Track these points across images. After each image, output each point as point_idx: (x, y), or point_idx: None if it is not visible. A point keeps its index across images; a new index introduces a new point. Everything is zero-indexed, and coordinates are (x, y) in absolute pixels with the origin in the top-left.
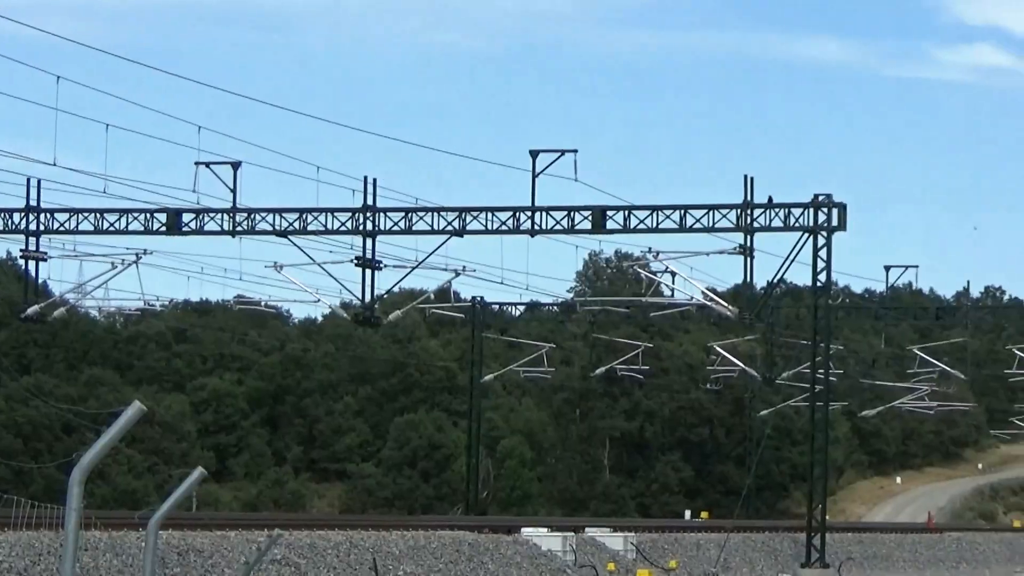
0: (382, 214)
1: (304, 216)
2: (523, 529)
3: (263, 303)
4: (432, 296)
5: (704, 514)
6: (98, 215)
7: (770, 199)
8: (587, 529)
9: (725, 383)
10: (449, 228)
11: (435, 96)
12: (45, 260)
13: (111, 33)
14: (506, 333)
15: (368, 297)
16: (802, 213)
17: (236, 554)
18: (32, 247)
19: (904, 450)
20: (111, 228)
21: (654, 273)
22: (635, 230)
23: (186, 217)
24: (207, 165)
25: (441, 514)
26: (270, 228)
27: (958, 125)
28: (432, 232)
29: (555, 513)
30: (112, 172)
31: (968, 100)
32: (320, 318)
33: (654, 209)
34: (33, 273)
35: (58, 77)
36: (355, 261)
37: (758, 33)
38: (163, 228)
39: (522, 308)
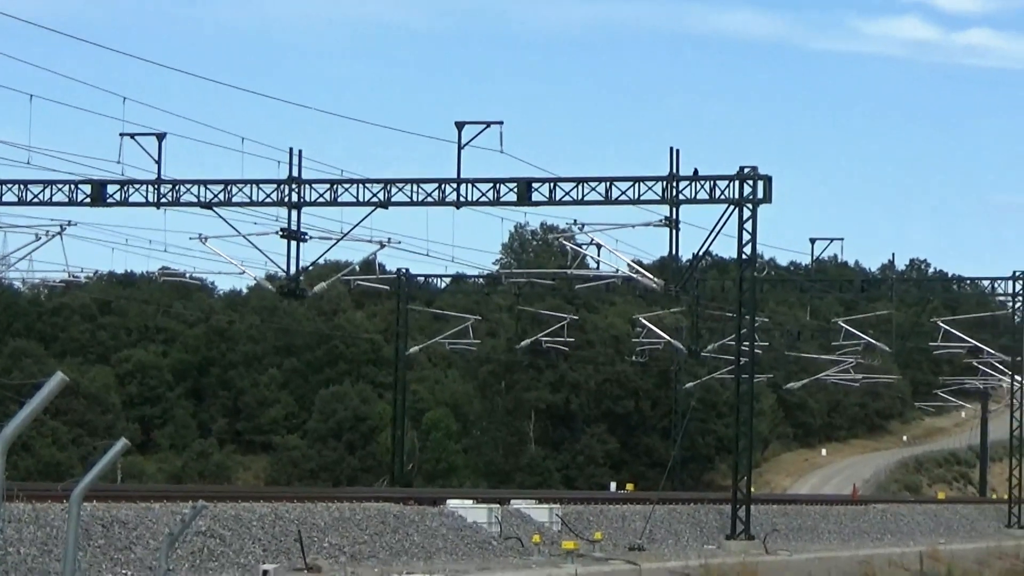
0: (307, 186)
1: (229, 188)
2: (448, 501)
3: (188, 275)
4: (357, 268)
5: (629, 486)
6: (22, 186)
7: (696, 171)
8: (512, 501)
9: (651, 356)
10: (374, 200)
11: (360, 68)
12: None
13: (35, 3)
14: (431, 305)
15: (293, 269)
16: (728, 185)
17: (160, 526)
18: None
19: (829, 422)
20: (35, 199)
21: (579, 245)
22: (560, 202)
23: (110, 189)
24: (132, 136)
25: (366, 486)
26: (195, 200)
27: (884, 98)
28: (357, 204)
29: (480, 485)
30: (36, 143)
31: (894, 73)
32: (245, 290)
33: (580, 181)
34: None
35: None
36: (280, 233)
37: (684, 5)
38: (87, 200)
39: (448, 280)
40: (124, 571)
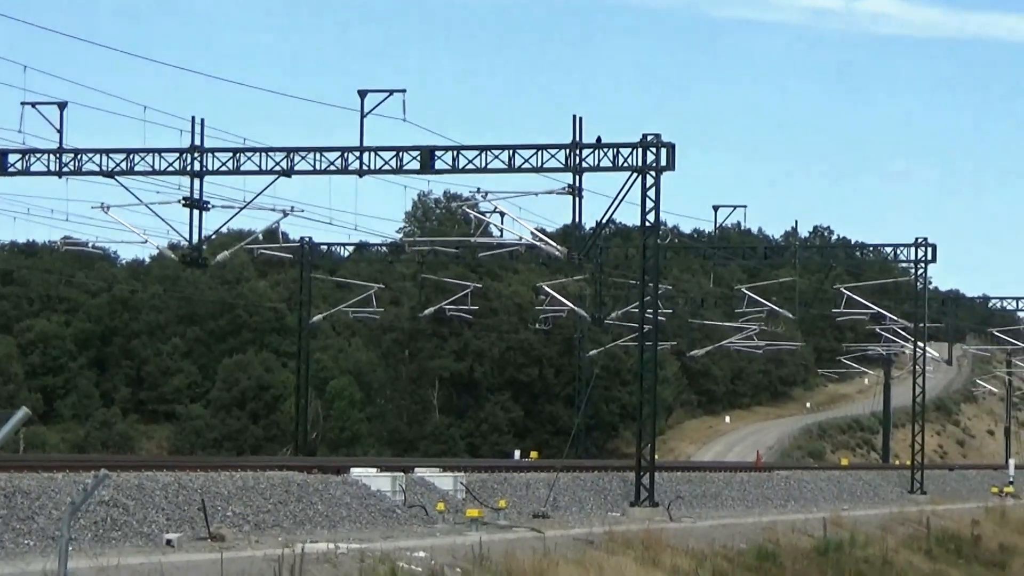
0: (210, 154)
1: (131, 157)
2: (352, 469)
3: (90, 244)
4: (260, 237)
5: (533, 454)
6: None
7: (599, 139)
8: (416, 469)
9: (554, 323)
10: (277, 168)
11: (263, 36)
12: None
13: None
14: (335, 274)
15: (196, 238)
16: (631, 153)
17: (63, 496)
18: None
19: (733, 389)
20: None
21: (483, 213)
22: (464, 170)
23: (12, 158)
24: (33, 105)
25: (270, 455)
26: (97, 169)
27: (787, 66)
28: (260, 172)
29: (384, 453)
30: None
31: (797, 40)
32: (148, 259)
33: (483, 149)
34: None
35: None
36: (183, 202)
37: None
38: None
39: (351, 248)
40: (27, 541)
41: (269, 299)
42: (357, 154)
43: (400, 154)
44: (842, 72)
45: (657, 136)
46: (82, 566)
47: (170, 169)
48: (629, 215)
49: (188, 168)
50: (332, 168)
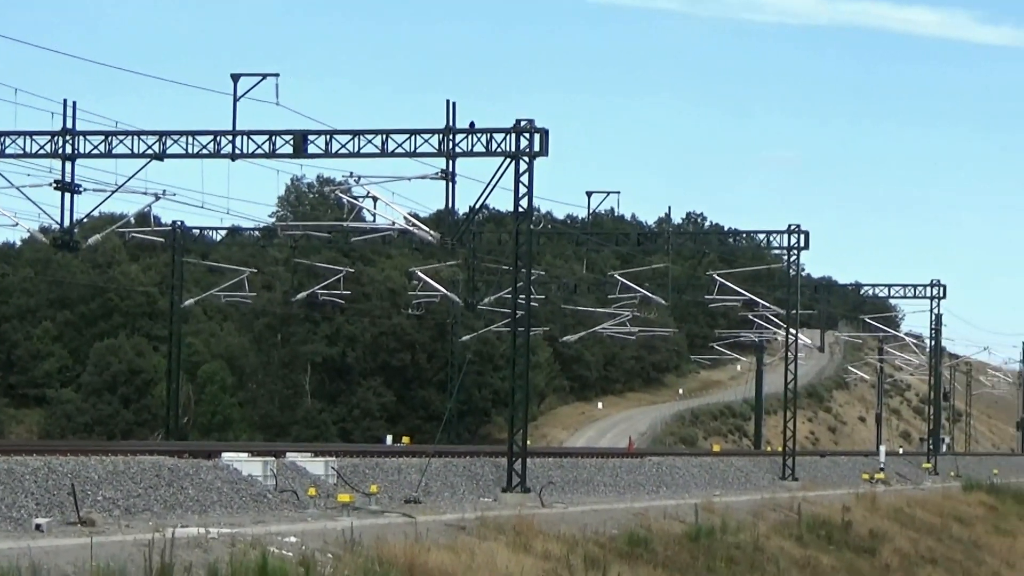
0: (81, 137)
1: (2, 139)
2: (224, 454)
3: None
4: (132, 220)
5: (405, 439)
6: None
7: (472, 124)
8: (288, 454)
9: (427, 308)
10: (149, 152)
11: (135, 18)
12: None
13: None
14: (207, 258)
15: (67, 221)
16: (504, 138)
17: None
18: None
19: (605, 375)
20: None
21: (356, 198)
22: (337, 155)
23: None
24: None
25: (141, 439)
26: None
27: (661, 51)
28: (132, 156)
29: (256, 438)
30: None
31: (672, 26)
32: (18, 242)
33: (356, 134)
34: None
35: None
36: (54, 185)
37: None
38: None
39: (223, 233)
40: None
41: (141, 283)
42: (230, 138)
43: (273, 138)
44: (716, 57)
45: (531, 122)
46: None
47: (41, 152)
48: (502, 200)
49: (60, 151)
50: (204, 152)
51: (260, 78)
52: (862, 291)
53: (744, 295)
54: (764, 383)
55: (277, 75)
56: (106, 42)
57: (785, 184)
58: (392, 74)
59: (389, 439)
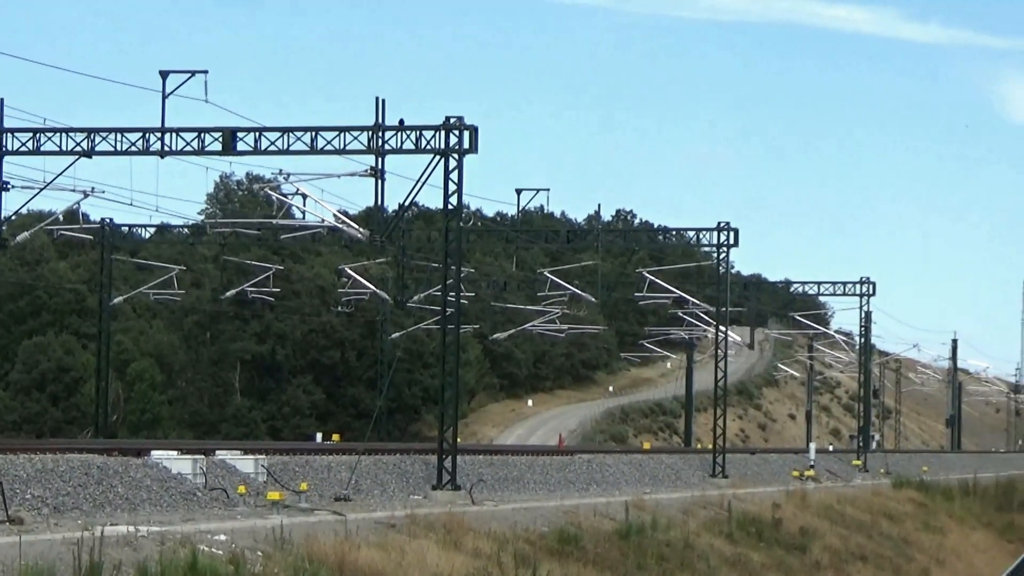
0: (9, 134)
1: None
2: (153, 452)
3: None
4: (60, 218)
5: (335, 437)
6: None
7: (401, 121)
8: (218, 452)
9: (357, 306)
10: (78, 149)
11: (63, 15)
12: None
13: None
14: (136, 255)
15: None
16: (433, 135)
17: None
18: None
19: (535, 373)
20: None
21: (285, 195)
22: (266, 152)
23: None
24: None
25: (70, 437)
26: None
27: (590, 47)
28: (60, 153)
29: (186, 436)
30: None
31: (598, 22)
32: None
33: (285, 131)
34: None
35: None
36: None
37: None
38: None
39: (152, 230)
40: None
41: (69, 280)
42: (158, 135)
43: (202, 135)
44: (645, 55)
45: (460, 119)
46: None
47: None
48: (432, 198)
49: None
50: (133, 149)
51: (189, 75)
52: (792, 288)
53: (674, 292)
54: (694, 380)
55: (206, 72)
56: (34, 39)
57: (715, 182)
58: (321, 72)
59: (319, 437)
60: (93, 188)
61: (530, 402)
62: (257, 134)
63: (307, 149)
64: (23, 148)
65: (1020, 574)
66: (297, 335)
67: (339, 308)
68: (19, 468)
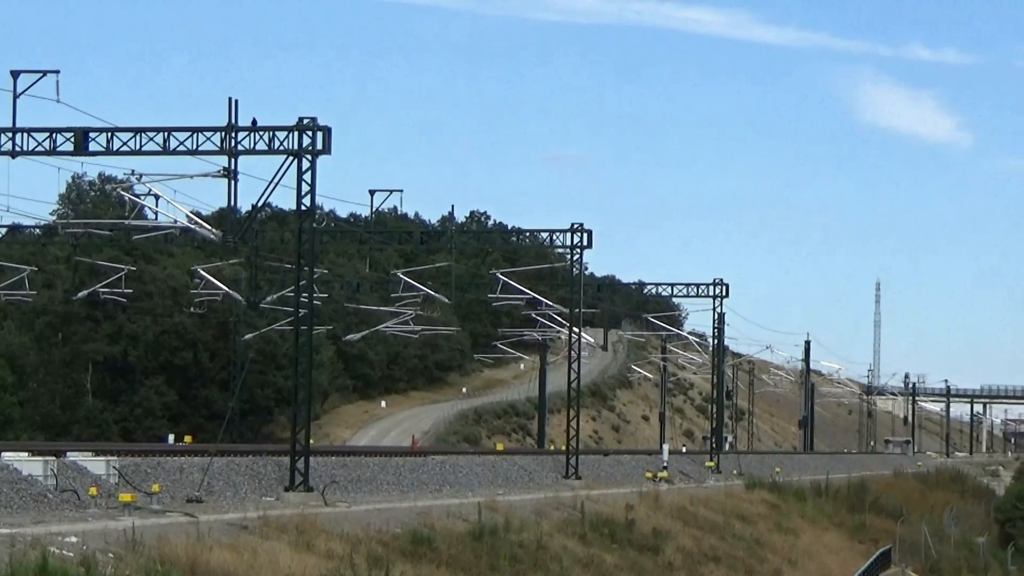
0: None
1: None
2: (3, 454)
3: None
4: None
5: (188, 438)
6: None
7: (254, 122)
8: (69, 453)
9: (209, 307)
10: None
11: None
12: None
13: None
14: None
15: None
16: (287, 136)
17: None
18: None
19: (389, 374)
20: None
21: (138, 196)
22: (118, 152)
23: None
24: None
25: None
26: None
27: (447, 50)
28: None
29: (37, 437)
30: None
31: (457, 25)
32: None
33: (137, 131)
34: None
35: None
36: None
37: None
38: None
39: (3, 231)
40: None
41: None
42: (10, 135)
43: (53, 135)
44: (501, 57)
45: (313, 119)
46: None
47: None
48: (286, 199)
49: None
50: None
51: (40, 75)
52: (645, 290)
53: (527, 294)
54: (548, 382)
55: (57, 72)
56: None
57: (569, 183)
58: (174, 72)
59: (171, 438)
60: None
61: (383, 403)
62: (109, 134)
63: (160, 150)
64: None
65: (871, 574)
66: (149, 336)
67: (192, 309)
68: None
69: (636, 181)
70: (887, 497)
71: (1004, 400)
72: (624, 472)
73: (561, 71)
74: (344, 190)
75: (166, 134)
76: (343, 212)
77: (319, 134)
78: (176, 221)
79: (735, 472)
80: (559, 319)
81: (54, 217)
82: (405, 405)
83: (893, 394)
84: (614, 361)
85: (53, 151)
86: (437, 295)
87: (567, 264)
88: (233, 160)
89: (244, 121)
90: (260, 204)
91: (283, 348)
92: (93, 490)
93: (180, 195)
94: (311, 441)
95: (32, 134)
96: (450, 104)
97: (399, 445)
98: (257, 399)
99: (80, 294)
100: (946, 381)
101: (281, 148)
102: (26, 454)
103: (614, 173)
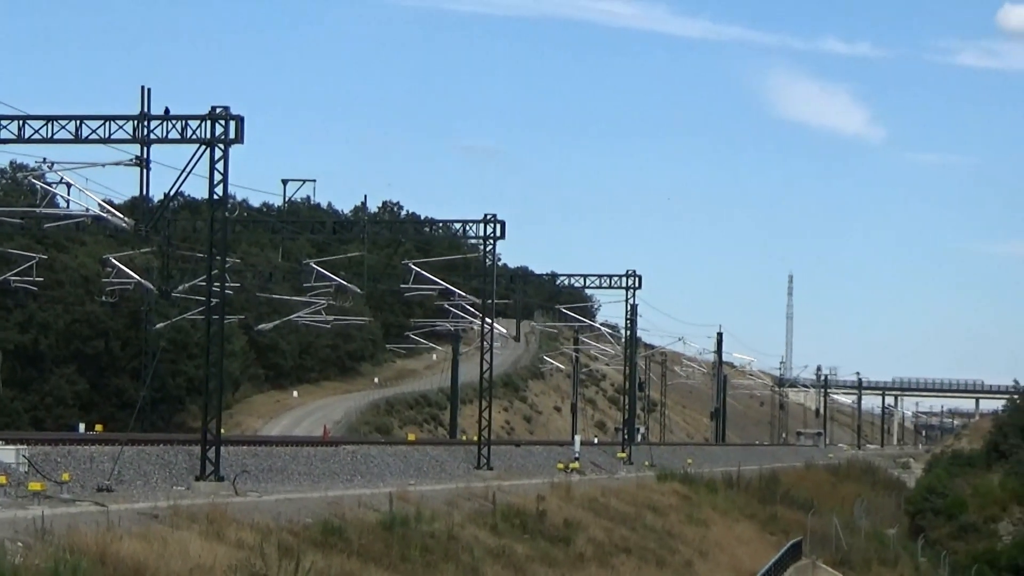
0: None
1: None
2: None
3: None
4: None
5: (98, 427)
6: None
7: (167, 111)
8: None
9: (121, 296)
10: None
11: None
12: None
13: None
14: None
15: None
16: (199, 125)
17: None
18: None
19: (301, 364)
20: None
21: (49, 184)
22: (29, 140)
23: None
24: None
25: None
26: None
27: (362, 40)
28: None
29: None
30: None
31: (378, 16)
32: None
33: (49, 119)
34: None
35: None
36: None
37: None
38: None
39: None
40: None
41: None
42: None
43: None
44: (419, 48)
45: (226, 109)
46: None
47: None
48: (198, 188)
49: None
50: None
51: None
52: (558, 281)
53: (440, 284)
54: (460, 372)
55: None
56: None
57: (482, 173)
58: (86, 60)
59: (82, 427)
60: None
61: (295, 393)
62: (21, 122)
63: (71, 138)
64: None
65: (782, 565)
66: (60, 325)
67: (103, 298)
68: None
69: (550, 172)
70: (798, 489)
71: (915, 393)
72: (536, 463)
73: (476, 62)
74: (257, 180)
75: (78, 122)
76: (256, 202)
77: (231, 123)
78: (88, 209)
79: (647, 463)
80: (472, 310)
81: None
82: (317, 395)
83: (805, 386)
84: (526, 352)
85: None
86: (349, 285)
87: (480, 255)
88: (145, 149)
89: (157, 110)
90: (172, 193)
91: (195, 337)
92: (2, 479)
93: (92, 184)
94: (222, 431)
95: None
96: (364, 94)
97: (311, 435)
98: (168, 388)
99: None
100: (858, 373)
101: (194, 137)
102: None
103: (528, 164)
